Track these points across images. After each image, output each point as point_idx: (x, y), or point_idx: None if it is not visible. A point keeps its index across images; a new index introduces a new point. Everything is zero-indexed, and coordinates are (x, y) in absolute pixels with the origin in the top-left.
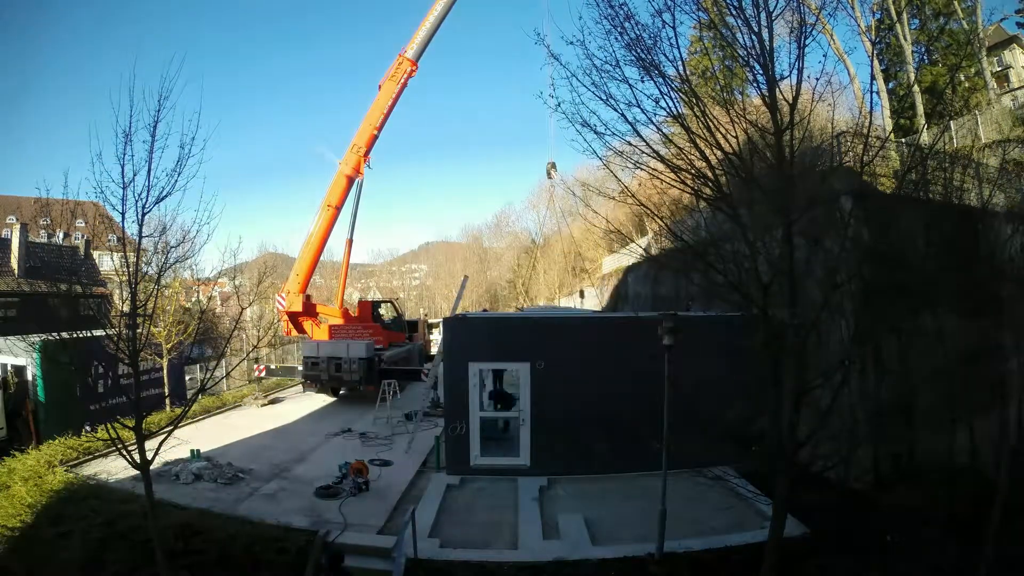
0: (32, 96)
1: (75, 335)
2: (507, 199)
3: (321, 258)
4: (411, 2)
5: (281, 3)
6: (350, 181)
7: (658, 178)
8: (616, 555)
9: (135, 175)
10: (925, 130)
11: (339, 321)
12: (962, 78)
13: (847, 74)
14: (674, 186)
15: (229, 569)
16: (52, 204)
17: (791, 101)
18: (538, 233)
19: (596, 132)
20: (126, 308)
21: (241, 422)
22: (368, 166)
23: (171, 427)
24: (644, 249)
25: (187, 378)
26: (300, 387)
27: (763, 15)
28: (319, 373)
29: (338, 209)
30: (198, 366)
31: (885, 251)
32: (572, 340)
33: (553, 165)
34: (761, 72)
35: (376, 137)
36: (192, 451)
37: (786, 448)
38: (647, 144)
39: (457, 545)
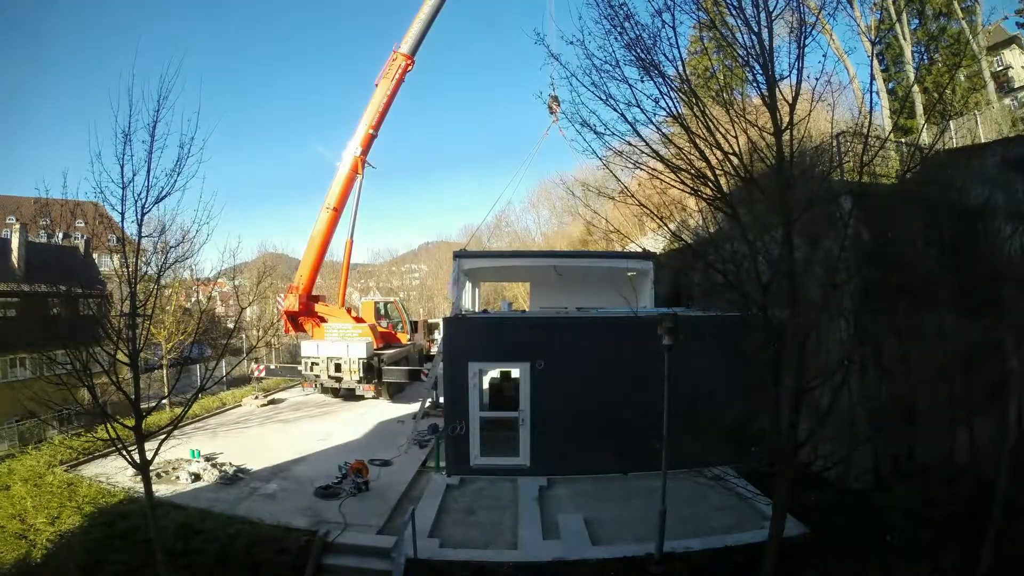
0: (32, 96)
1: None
2: (507, 198)
3: (326, 259)
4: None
5: (281, 2)
6: (349, 182)
7: (658, 178)
8: (616, 555)
9: (134, 175)
10: (925, 130)
11: (346, 320)
12: (962, 78)
13: (847, 74)
14: (674, 186)
15: (229, 569)
16: (52, 204)
17: (791, 101)
18: (538, 233)
19: (596, 132)
20: (126, 308)
21: (241, 422)
22: (371, 166)
23: (171, 427)
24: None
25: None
26: (299, 387)
27: (763, 15)
28: (318, 373)
29: (338, 211)
30: (198, 366)
31: (885, 251)
32: (572, 339)
33: (555, 99)
34: (761, 72)
35: (374, 137)
36: (192, 451)
37: (786, 448)
38: (647, 144)
39: (457, 545)
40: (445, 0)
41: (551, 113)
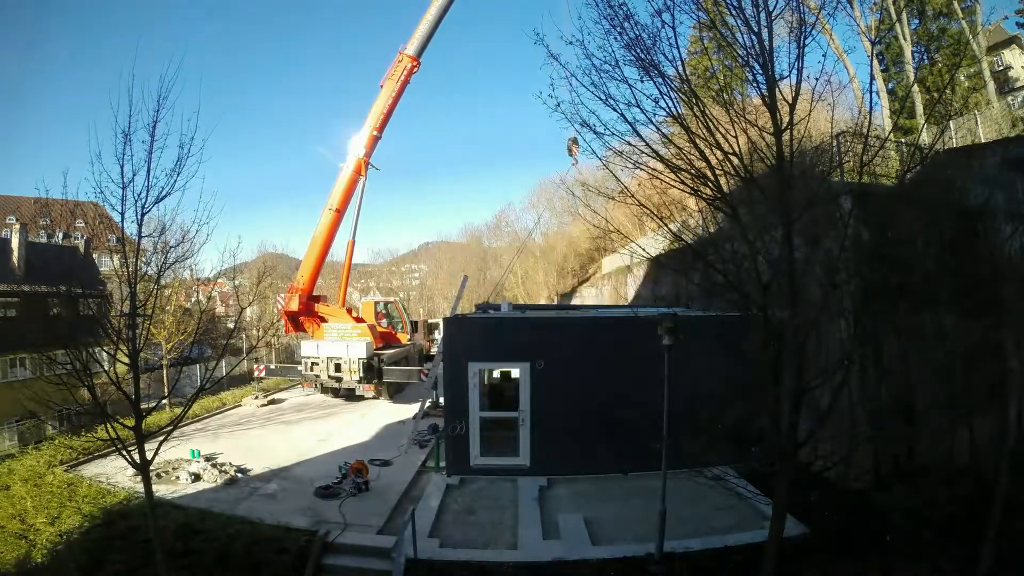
0: (32, 96)
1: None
2: (507, 199)
3: (326, 259)
4: None
5: (283, 1)
6: (352, 184)
7: (658, 178)
8: (616, 555)
9: (134, 175)
10: (925, 130)
11: (346, 320)
12: (962, 78)
13: (847, 74)
14: (674, 186)
15: (229, 569)
16: (52, 204)
17: (791, 101)
18: (538, 233)
19: (596, 132)
20: (126, 308)
21: (241, 423)
22: (374, 167)
23: (171, 427)
24: (644, 249)
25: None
26: (299, 387)
27: (763, 15)
28: (319, 373)
29: (341, 212)
30: (198, 366)
31: (885, 251)
32: (572, 339)
33: (575, 141)
34: (761, 72)
35: (378, 139)
36: (192, 451)
37: (786, 448)
38: (647, 144)
39: (457, 545)
40: (452, 1)
41: (570, 155)
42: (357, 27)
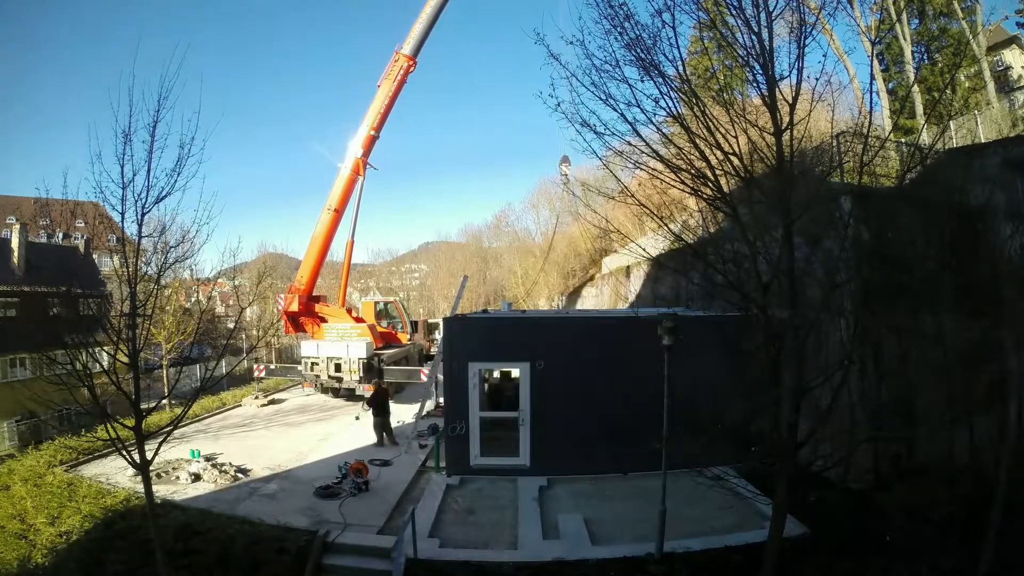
0: (32, 96)
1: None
2: (507, 199)
3: (326, 259)
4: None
5: (283, 1)
6: (350, 184)
7: (658, 178)
8: (616, 555)
9: (135, 175)
10: (925, 130)
11: (346, 320)
12: (962, 78)
13: (847, 74)
14: (674, 186)
15: (229, 569)
16: (52, 204)
17: (791, 101)
18: (538, 233)
19: (596, 132)
20: (126, 308)
21: (240, 422)
22: (372, 167)
23: (171, 427)
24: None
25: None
26: (299, 387)
27: (763, 15)
28: (319, 373)
29: (339, 212)
30: (198, 366)
31: (885, 251)
32: (572, 340)
33: (566, 160)
34: (761, 72)
35: (375, 138)
36: (192, 451)
37: (786, 448)
38: (647, 144)
39: (457, 545)
40: (447, 1)
41: (562, 175)
42: (358, 26)
